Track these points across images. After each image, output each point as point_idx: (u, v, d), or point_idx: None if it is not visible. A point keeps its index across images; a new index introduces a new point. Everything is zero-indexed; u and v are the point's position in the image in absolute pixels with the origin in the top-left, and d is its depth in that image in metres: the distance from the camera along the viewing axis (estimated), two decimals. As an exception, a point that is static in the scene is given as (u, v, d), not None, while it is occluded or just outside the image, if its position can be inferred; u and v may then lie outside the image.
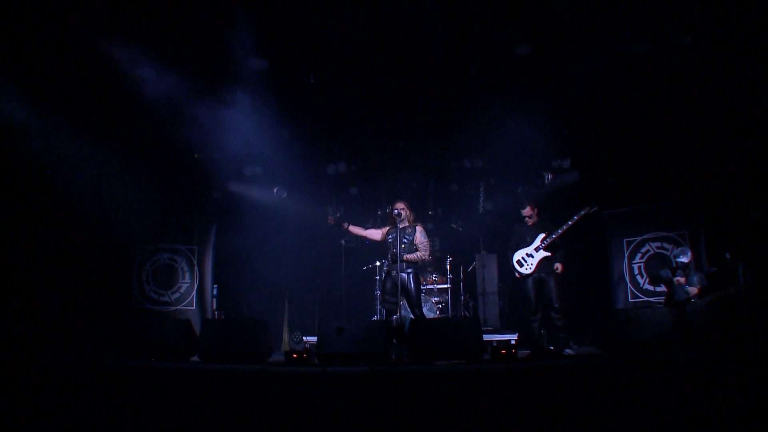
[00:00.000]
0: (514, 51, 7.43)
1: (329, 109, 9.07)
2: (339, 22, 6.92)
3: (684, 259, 8.44)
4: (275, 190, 11.05)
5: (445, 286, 11.29)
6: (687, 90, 8.56)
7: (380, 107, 8.96)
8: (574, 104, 8.85)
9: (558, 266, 7.87)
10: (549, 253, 7.92)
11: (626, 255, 10.35)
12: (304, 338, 10.12)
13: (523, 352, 7.84)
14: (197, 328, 9.33)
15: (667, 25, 7.07)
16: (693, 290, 8.19)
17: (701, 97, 8.61)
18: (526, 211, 8.26)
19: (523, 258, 8.04)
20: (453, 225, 12.02)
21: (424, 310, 10.34)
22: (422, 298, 10.09)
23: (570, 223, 7.84)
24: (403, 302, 8.24)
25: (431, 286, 11.20)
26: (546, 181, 10.60)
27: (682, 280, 8.33)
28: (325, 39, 7.32)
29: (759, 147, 8.67)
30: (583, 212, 7.83)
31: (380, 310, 11.46)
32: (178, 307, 10.42)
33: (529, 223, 8.23)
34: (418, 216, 8.54)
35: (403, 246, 7.64)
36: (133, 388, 6.18)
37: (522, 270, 8.00)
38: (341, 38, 7.23)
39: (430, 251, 8.11)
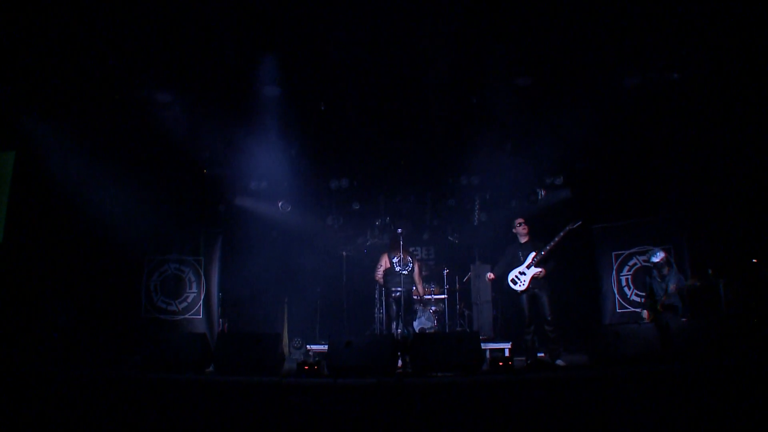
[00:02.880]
0: (514, 82, 7.92)
1: (335, 130, 9.52)
2: (350, 54, 7.37)
3: (655, 259, 8.71)
4: (280, 204, 11.45)
5: (442, 296, 11.67)
6: (674, 114, 9.09)
7: (384, 129, 9.42)
8: (568, 126, 9.34)
9: (541, 271, 8.34)
10: (540, 269, 8.39)
11: (614, 267, 10.77)
12: (308, 346, 10.50)
13: (518, 359, 8.38)
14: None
15: (657, 62, 7.59)
16: (672, 287, 8.41)
17: (688, 120, 9.14)
18: (521, 228, 8.71)
19: (516, 276, 8.50)
20: (450, 237, 12.43)
21: (422, 319, 10.86)
22: (417, 310, 10.99)
23: (556, 239, 8.33)
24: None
25: (429, 296, 11.58)
26: (540, 197, 11.08)
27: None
28: (335, 69, 7.77)
29: (741, 168, 9.18)
30: (568, 228, 8.30)
31: (378, 319, 11.85)
32: (186, 316, 10.71)
33: (522, 241, 8.69)
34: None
35: None
36: (152, 399, 6.53)
37: (516, 287, 8.48)
38: (351, 69, 7.68)
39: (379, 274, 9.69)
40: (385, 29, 6.97)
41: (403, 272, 9.11)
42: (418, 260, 10.07)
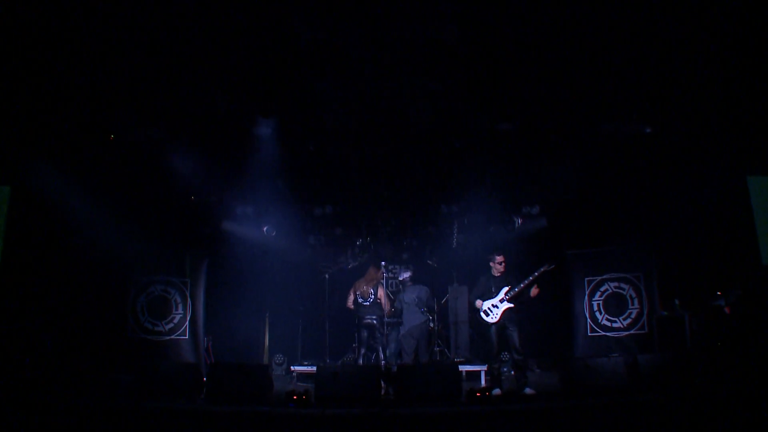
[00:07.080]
0: (495, 127, 8.37)
1: (321, 165, 9.90)
2: (337, 98, 7.74)
3: (401, 276, 10.44)
4: (265, 229, 11.71)
5: (422, 318, 11.94)
6: (648, 153, 9.62)
7: (368, 165, 9.82)
8: (545, 163, 9.83)
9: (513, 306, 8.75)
10: (512, 305, 8.77)
11: (587, 293, 11.06)
12: (292, 368, 10.82)
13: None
14: (190, 356, 10.06)
15: (631, 114, 8.12)
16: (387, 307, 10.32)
17: (660, 158, 9.69)
18: (499, 259, 9.07)
19: (489, 308, 8.85)
20: (429, 261, 12.77)
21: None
22: (389, 335, 11.18)
23: (531, 278, 8.70)
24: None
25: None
26: (516, 226, 11.48)
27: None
28: (323, 110, 8.13)
29: (709, 203, 9.70)
30: (542, 269, 8.68)
31: (356, 336, 12.15)
32: (172, 336, 10.81)
33: (495, 274, 9.04)
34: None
35: None
36: (147, 427, 6.82)
37: (488, 319, 8.84)
38: (339, 111, 8.05)
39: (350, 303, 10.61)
40: (373, 79, 7.35)
41: (365, 303, 9.79)
42: (382, 285, 10.47)
